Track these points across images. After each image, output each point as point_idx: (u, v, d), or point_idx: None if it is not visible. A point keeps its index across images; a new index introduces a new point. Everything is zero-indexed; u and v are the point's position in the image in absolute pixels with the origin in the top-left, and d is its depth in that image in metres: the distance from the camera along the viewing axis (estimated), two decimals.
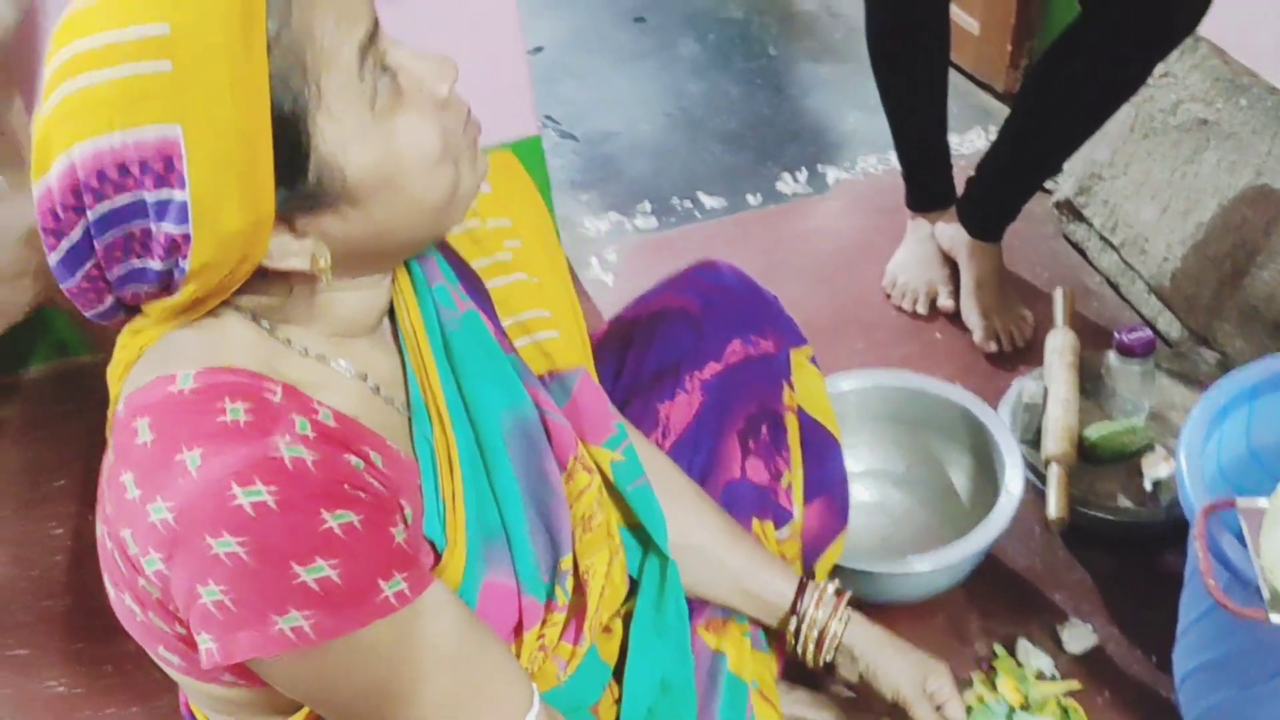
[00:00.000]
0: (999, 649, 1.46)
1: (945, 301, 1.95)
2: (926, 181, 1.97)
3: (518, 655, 0.94)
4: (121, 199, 0.70)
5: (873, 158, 2.36)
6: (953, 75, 1.91)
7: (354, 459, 0.79)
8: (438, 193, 0.80)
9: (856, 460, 1.63)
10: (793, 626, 1.16)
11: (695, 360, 1.23)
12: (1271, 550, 1.05)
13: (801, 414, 1.31)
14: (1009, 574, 1.56)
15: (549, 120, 2.58)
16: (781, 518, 1.25)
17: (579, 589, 1.00)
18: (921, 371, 1.66)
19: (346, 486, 0.76)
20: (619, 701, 1.08)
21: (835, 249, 2.16)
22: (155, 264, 0.73)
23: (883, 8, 1.83)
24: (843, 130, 2.49)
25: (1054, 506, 1.49)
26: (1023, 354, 1.87)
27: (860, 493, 1.63)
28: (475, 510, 0.90)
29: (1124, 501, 1.55)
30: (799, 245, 2.17)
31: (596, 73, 2.77)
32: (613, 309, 1.34)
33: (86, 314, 0.78)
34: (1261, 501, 1.09)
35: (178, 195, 0.70)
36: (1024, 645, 1.46)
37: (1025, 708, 1.39)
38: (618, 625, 1.11)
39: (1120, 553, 1.56)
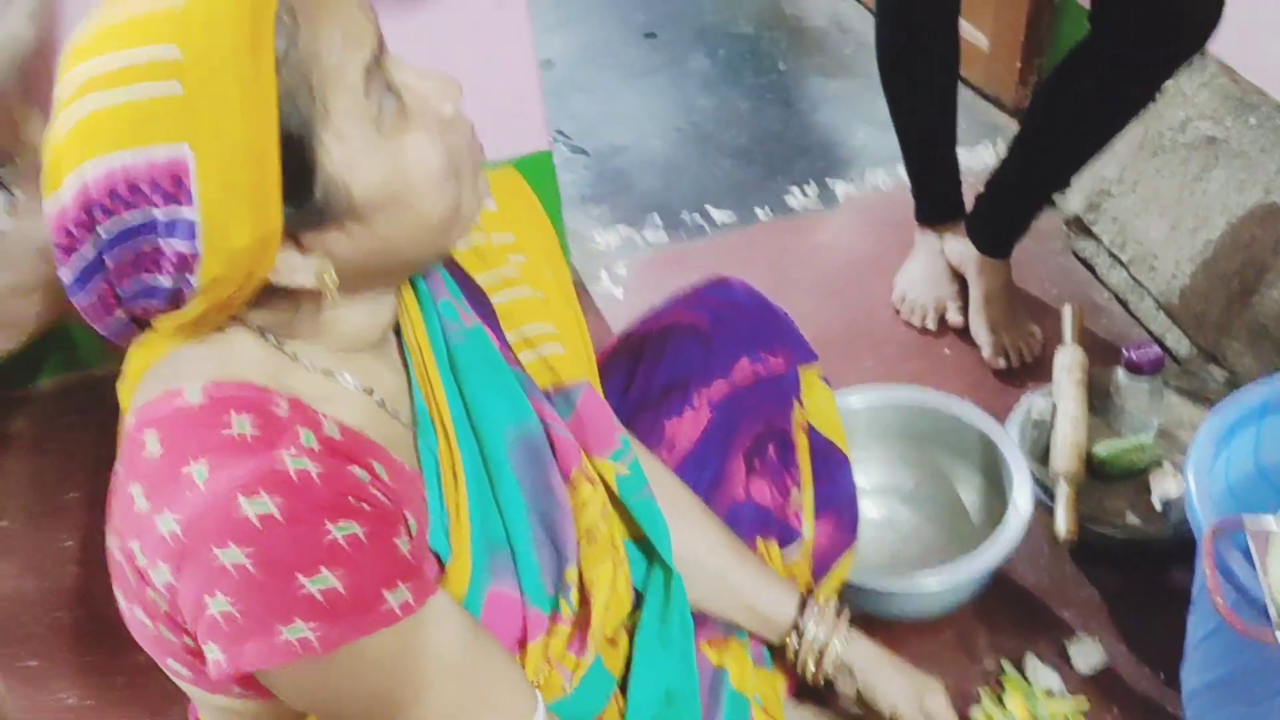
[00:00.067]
0: (1007, 665, 1.46)
1: (954, 317, 1.95)
2: (935, 194, 1.98)
3: (523, 666, 0.94)
4: (132, 216, 0.71)
5: (882, 173, 2.36)
6: (961, 90, 1.92)
7: (359, 471, 0.79)
8: (441, 211, 0.81)
9: (865, 476, 1.63)
10: (794, 643, 1.17)
11: (704, 377, 1.23)
12: (1278, 570, 1.05)
13: (811, 431, 1.31)
14: (1017, 590, 1.56)
15: (560, 135, 2.59)
16: (787, 537, 1.25)
17: (583, 601, 1.01)
18: (930, 387, 1.66)
19: (351, 498, 0.76)
20: (624, 713, 1.08)
21: (845, 264, 2.16)
22: (165, 280, 0.73)
23: (892, 22, 1.83)
24: (852, 145, 2.50)
25: (1063, 524, 1.48)
26: (1031, 370, 1.86)
27: (869, 509, 1.63)
28: (480, 521, 0.91)
29: (1132, 519, 1.55)
30: (809, 260, 2.18)
31: (607, 87, 2.78)
32: (622, 323, 1.35)
33: (98, 329, 0.79)
34: (1268, 521, 1.08)
35: (187, 213, 0.71)
36: (1032, 662, 1.46)
37: None
38: (623, 637, 1.11)
39: (1128, 569, 1.56)
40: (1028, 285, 2.01)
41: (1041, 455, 1.61)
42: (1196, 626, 1.28)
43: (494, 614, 0.91)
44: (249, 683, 0.80)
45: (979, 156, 2.35)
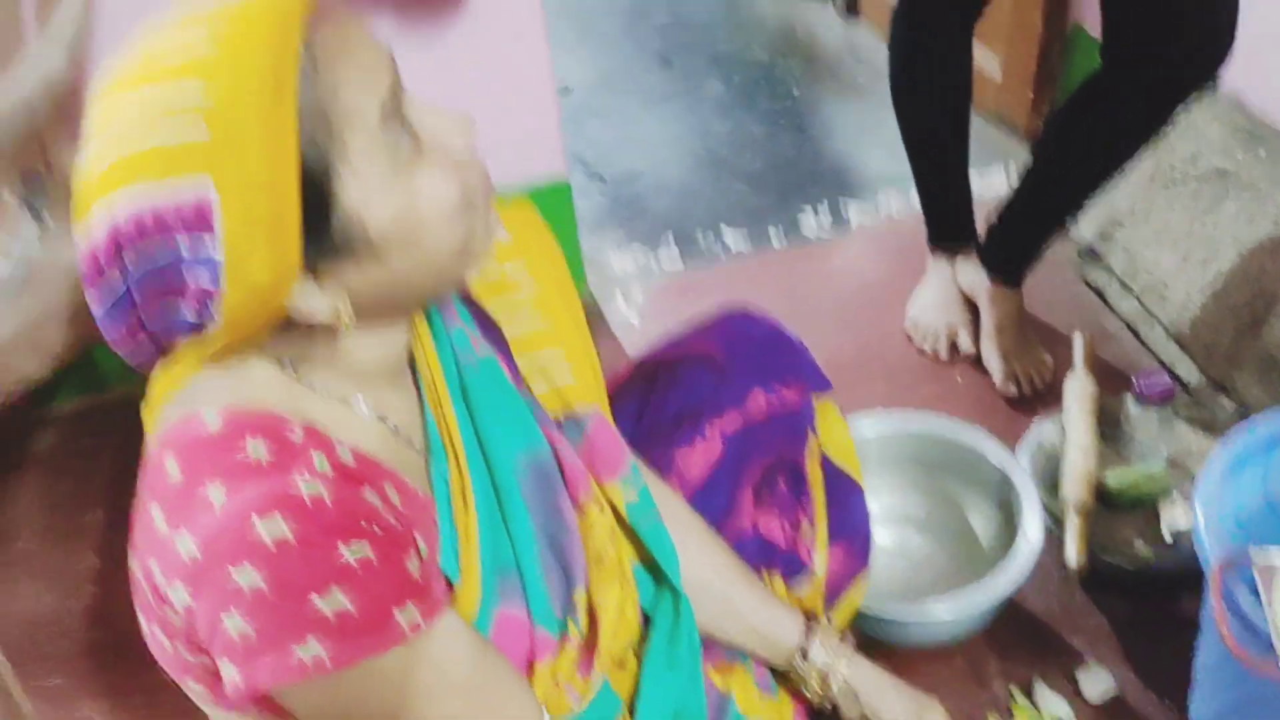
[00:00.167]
0: (1017, 693, 1.46)
1: (965, 344, 1.96)
2: (947, 218, 1.98)
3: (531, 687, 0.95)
4: (158, 250, 0.73)
5: (895, 199, 2.38)
6: (974, 118, 1.93)
7: (371, 495, 0.81)
8: (453, 245, 0.83)
9: (877, 503, 1.63)
10: (799, 666, 1.18)
11: (716, 407, 1.24)
12: None
13: (825, 461, 1.32)
14: (1027, 617, 1.56)
15: (577, 161, 2.61)
16: (792, 569, 1.26)
17: (591, 623, 1.02)
18: (942, 414, 1.67)
19: (362, 521, 0.78)
20: None
21: (857, 289, 2.17)
22: (188, 311, 0.75)
23: (906, 49, 1.85)
24: (865, 171, 2.51)
25: (1072, 553, 1.49)
26: (1042, 397, 1.87)
27: (881, 536, 1.63)
28: (489, 544, 0.93)
29: (1142, 548, 1.55)
30: (822, 286, 2.19)
31: (624, 113, 2.80)
32: (638, 349, 1.36)
33: (124, 356, 0.81)
34: (1275, 554, 1.09)
35: (210, 248, 0.73)
36: (1041, 689, 1.46)
37: None
38: (631, 660, 1.12)
39: (1138, 597, 1.56)
40: (1039, 312, 2.01)
41: (1052, 483, 1.61)
42: (1205, 655, 1.28)
43: (502, 635, 0.92)
44: (265, 703, 0.81)
45: (991, 182, 2.36)
